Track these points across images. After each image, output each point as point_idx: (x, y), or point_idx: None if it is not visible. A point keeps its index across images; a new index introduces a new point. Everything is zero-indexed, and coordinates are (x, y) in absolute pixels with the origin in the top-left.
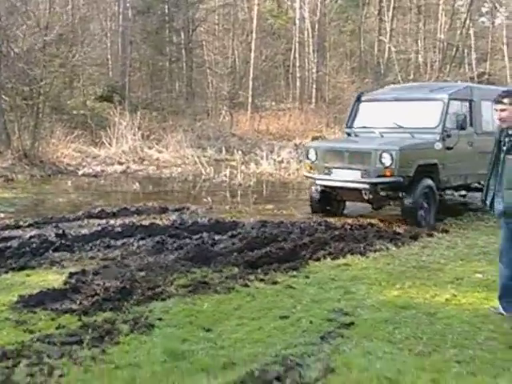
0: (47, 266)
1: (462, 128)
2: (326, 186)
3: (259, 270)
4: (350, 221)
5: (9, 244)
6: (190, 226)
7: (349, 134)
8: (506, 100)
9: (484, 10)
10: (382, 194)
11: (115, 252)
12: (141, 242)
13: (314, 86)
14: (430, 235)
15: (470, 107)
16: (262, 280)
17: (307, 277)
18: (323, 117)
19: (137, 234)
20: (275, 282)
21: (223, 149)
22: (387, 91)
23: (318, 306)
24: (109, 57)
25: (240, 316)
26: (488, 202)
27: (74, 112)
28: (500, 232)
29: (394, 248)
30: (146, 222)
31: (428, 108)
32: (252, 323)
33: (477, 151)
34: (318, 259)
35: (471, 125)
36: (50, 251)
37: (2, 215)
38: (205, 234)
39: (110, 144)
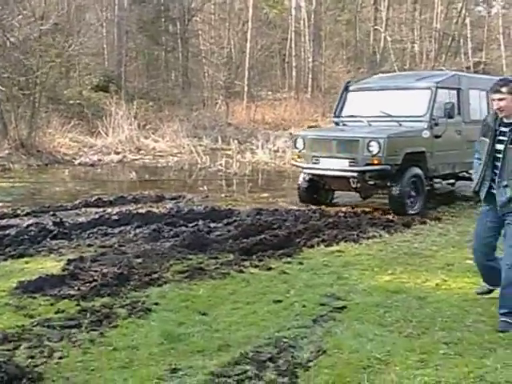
0: (45, 254)
1: (450, 116)
2: (313, 175)
3: (254, 257)
4: (343, 209)
5: (7, 232)
6: (186, 214)
7: (337, 124)
8: (503, 89)
9: None
10: (370, 182)
11: (112, 239)
12: (138, 230)
13: (310, 76)
14: (423, 223)
15: (458, 96)
16: (256, 266)
17: (301, 263)
18: (319, 106)
19: (134, 221)
20: (269, 268)
21: (219, 138)
22: (375, 80)
23: (311, 290)
24: (105, 46)
25: (235, 300)
26: (482, 194)
27: (71, 102)
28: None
29: (386, 235)
30: (142, 210)
31: (416, 96)
32: (246, 307)
33: (465, 140)
34: (312, 246)
35: (459, 113)
36: (48, 239)
37: (0, 204)
38: (201, 222)
39: (106, 134)
